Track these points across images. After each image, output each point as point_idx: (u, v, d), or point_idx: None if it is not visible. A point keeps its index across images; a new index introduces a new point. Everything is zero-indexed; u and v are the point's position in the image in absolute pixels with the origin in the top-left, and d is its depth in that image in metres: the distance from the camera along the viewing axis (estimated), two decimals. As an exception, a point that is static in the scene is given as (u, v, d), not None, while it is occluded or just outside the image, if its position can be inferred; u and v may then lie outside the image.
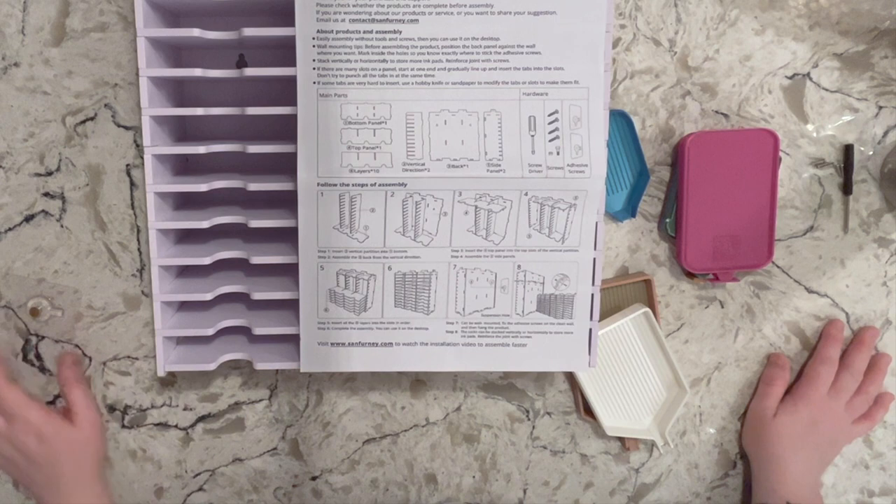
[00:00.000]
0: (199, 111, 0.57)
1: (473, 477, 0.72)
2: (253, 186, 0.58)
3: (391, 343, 0.60)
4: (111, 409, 0.69)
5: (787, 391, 0.69)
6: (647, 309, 0.66)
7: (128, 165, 0.65)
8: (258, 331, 0.60)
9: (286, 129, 0.56)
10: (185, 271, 0.65)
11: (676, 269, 0.68)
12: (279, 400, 0.70)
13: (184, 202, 0.66)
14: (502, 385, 0.70)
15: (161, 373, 0.61)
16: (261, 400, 0.70)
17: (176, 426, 0.70)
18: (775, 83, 0.65)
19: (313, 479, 0.72)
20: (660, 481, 0.72)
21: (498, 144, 0.56)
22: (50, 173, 0.65)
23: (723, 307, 0.69)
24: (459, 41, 0.55)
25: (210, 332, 0.60)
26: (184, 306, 0.65)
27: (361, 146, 0.55)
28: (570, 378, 0.70)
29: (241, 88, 0.64)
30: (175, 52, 0.63)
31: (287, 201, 0.59)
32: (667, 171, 0.66)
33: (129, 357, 0.68)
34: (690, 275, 0.67)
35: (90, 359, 0.68)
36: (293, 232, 0.58)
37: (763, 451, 0.67)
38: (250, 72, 0.56)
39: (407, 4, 0.54)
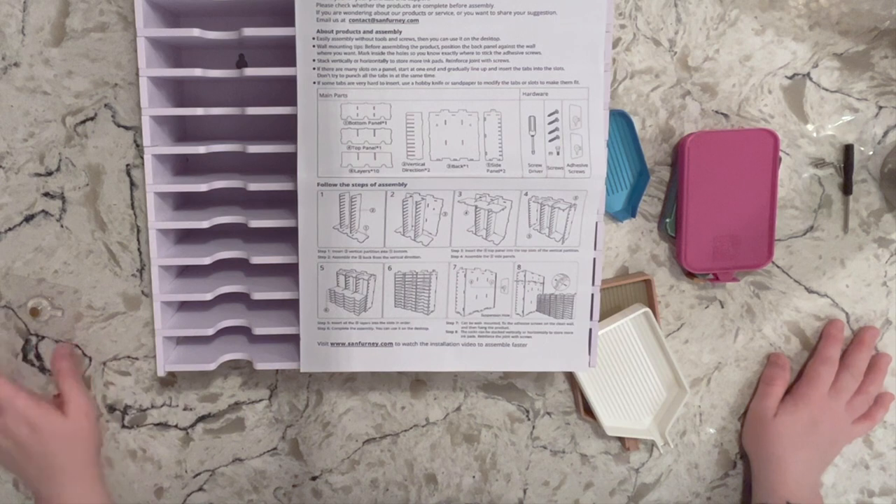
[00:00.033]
0: (199, 111, 0.57)
1: (473, 477, 0.72)
2: (253, 186, 0.58)
3: (391, 343, 0.60)
4: (111, 409, 0.69)
5: (788, 391, 0.69)
6: (647, 309, 0.66)
7: (128, 165, 0.65)
8: (258, 331, 0.60)
9: (286, 129, 0.56)
10: (185, 271, 0.65)
11: (676, 269, 0.68)
12: (279, 400, 0.70)
13: (184, 202, 0.66)
14: (502, 385, 0.70)
15: (161, 373, 0.61)
16: (261, 400, 0.70)
17: (176, 426, 0.70)
18: (775, 83, 0.65)
19: (313, 479, 0.72)
20: (660, 481, 0.72)
21: (498, 144, 0.56)
22: (50, 173, 0.65)
23: (723, 307, 0.69)
24: (459, 41, 0.55)
25: (210, 332, 0.60)
26: (184, 306, 0.65)
27: (361, 146, 0.55)
28: (570, 378, 0.70)
29: (241, 88, 0.64)
30: (175, 52, 0.63)
31: (287, 201, 0.59)
32: (667, 171, 0.66)
33: (129, 357, 0.68)
34: (690, 275, 0.67)
35: (90, 359, 0.68)
36: (293, 232, 0.58)
37: (763, 450, 0.67)
38: (250, 72, 0.56)
39: (407, 4, 0.54)
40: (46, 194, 0.65)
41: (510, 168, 0.56)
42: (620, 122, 0.64)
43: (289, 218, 0.58)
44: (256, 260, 0.59)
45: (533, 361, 0.61)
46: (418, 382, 0.70)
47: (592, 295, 0.59)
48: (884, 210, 0.67)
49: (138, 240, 0.66)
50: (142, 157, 0.64)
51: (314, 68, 0.54)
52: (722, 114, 0.65)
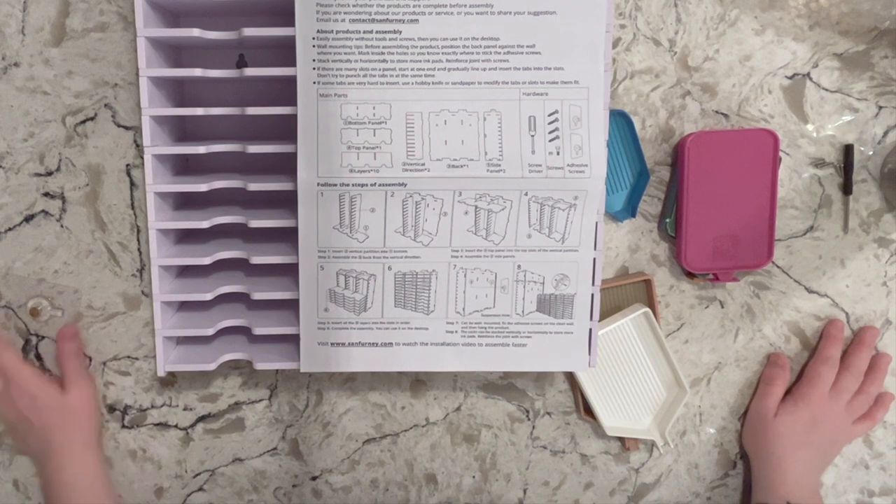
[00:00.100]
0: (199, 111, 0.57)
1: (473, 477, 0.72)
2: (253, 186, 0.58)
3: (391, 343, 0.60)
4: (111, 409, 0.69)
5: (788, 391, 0.69)
6: (647, 309, 0.66)
7: (128, 165, 0.65)
8: (258, 331, 0.60)
9: (286, 129, 0.56)
10: (185, 271, 0.65)
11: (676, 269, 0.68)
12: (279, 400, 0.70)
13: (184, 202, 0.66)
14: (502, 385, 0.70)
15: (161, 373, 0.61)
16: (261, 400, 0.70)
17: (176, 426, 0.70)
18: (775, 83, 0.65)
19: (313, 479, 0.72)
20: (660, 481, 0.72)
21: (498, 144, 0.56)
22: (50, 173, 0.65)
23: (723, 307, 0.69)
24: (459, 41, 0.55)
25: (210, 332, 0.60)
26: (184, 306, 0.65)
27: (361, 146, 0.55)
28: (570, 378, 0.70)
29: (241, 88, 0.64)
30: (175, 52, 0.63)
31: (287, 201, 0.59)
32: (667, 171, 0.66)
33: (129, 357, 0.68)
34: (690, 275, 0.67)
35: (90, 359, 0.68)
36: (293, 232, 0.58)
37: (763, 450, 0.67)
38: (250, 72, 0.56)
39: (407, 4, 0.54)
40: (46, 194, 0.65)
41: (510, 168, 0.56)
42: (620, 122, 0.64)
43: (289, 218, 0.58)
44: (256, 260, 0.59)
45: (533, 361, 0.61)
46: (418, 382, 0.70)
47: (592, 295, 0.59)
48: (884, 210, 0.67)
49: (138, 240, 0.66)
50: (142, 157, 0.64)
51: (314, 68, 0.54)
52: (722, 114, 0.65)
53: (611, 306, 0.67)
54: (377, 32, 0.54)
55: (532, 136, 0.56)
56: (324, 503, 0.72)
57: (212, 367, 0.61)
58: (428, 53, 0.55)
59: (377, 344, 0.60)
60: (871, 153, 0.66)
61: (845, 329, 0.69)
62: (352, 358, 0.60)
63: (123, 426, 0.69)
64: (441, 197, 0.56)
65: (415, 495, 0.72)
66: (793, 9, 0.64)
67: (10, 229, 0.65)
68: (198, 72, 0.56)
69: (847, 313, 0.69)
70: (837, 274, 0.68)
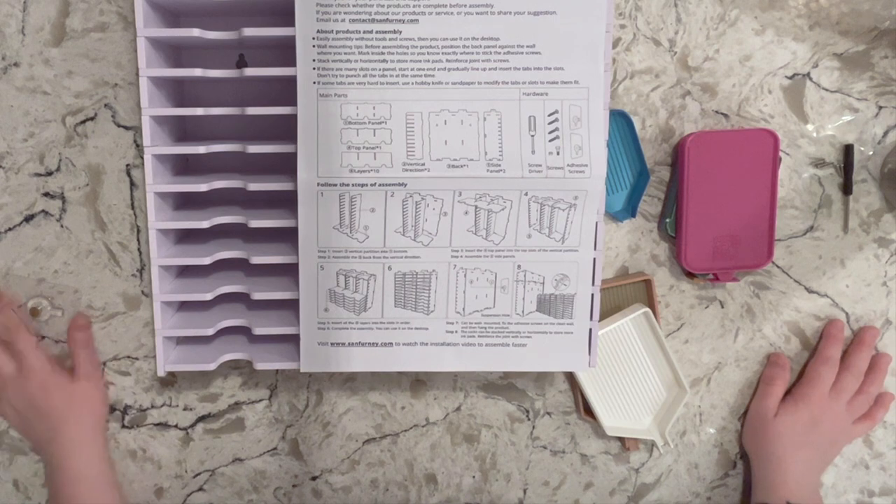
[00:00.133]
0: (199, 111, 0.57)
1: (473, 477, 0.72)
2: (253, 186, 0.58)
3: (391, 343, 0.60)
4: (111, 409, 0.69)
5: (788, 391, 0.69)
6: (647, 309, 0.66)
7: (128, 165, 0.65)
8: (258, 331, 0.60)
9: (286, 129, 0.56)
10: (185, 271, 0.65)
11: (676, 269, 0.68)
12: (279, 400, 0.70)
13: (184, 202, 0.66)
14: (502, 385, 0.70)
15: (161, 373, 0.61)
16: (261, 400, 0.70)
17: (176, 426, 0.70)
18: (775, 83, 0.65)
19: (313, 479, 0.72)
20: (660, 481, 0.72)
21: (498, 144, 0.56)
22: (50, 173, 0.65)
23: (723, 307, 0.69)
24: (459, 41, 0.55)
25: (210, 332, 0.60)
26: (184, 306, 0.65)
27: (361, 146, 0.55)
28: (570, 378, 0.70)
29: (241, 88, 0.64)
30: (175, 52, 0.63)
31: (287, 201, 0.59)
32: (667, 171, 0.66)
33: (129, 357, 0.68)
34: (690, 275, 0.67)
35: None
36: (293, 232, 0.58)
37: (763, 450, 0.67)
38: (250, 72, 0.56)
39: (407, 4, 0.54)
40: (46, 194, 0.65)
41: (510, 168, 0.56)
42: (620, 122, 0.64)
43: (289, 218, 0.58)
44: (256, 260, 0.59)
45: (533, 361, 0.61)
46: (418, 382, 0.70)
47: (592, 295, 0.59)
48: (884, 210, 0.67)
49: (138, 240, 0.66)
50: (142, 157, 0.64)
51: (314, 68, 0.54)
52: (722, 114, 0.65)
53: (611, 306, 0.67)
54: (377, 32, 0.54)
55: (532, 136, 0.56)
56: (324, 503, 0.72)
57: (212, 367, 0.61)
58: (428, 53, 0.55)
59: (377, 344, 0.60)
60: (871, 153, 0.66)
61: (845, 329, 0.69)
62: (352, 358, 0.60)
63: (123, 426, 0.69)
64: (441, 197, 0.56)
65: (415, 495, 0.72)
66: (793, 9, 0.64)
67: (10, 229, 0.65)
68: (198, 72, 0.56)
69: (847, 313, 0.69)
70: (837, 274, 0.68)
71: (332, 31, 0.54)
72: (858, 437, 0.70)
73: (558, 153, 0.56)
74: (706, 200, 0.63)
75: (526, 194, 0.57)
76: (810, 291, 0.69)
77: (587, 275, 0.59)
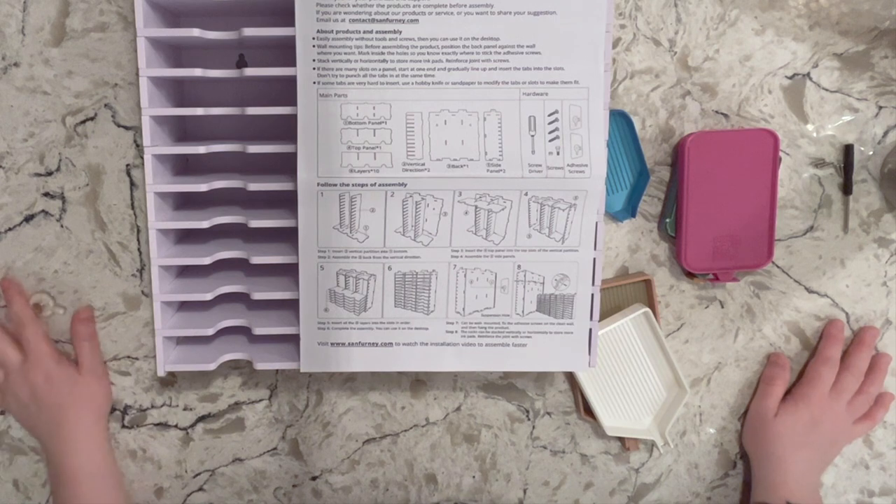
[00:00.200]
0: (199, 111, 0.57)
1: (473, 477, 0.72)
2: (253, 186, 0.58)
3: (391, 343, 0.60)
4: (111, 409, 0.69)
5: (788, 391, 0.69)
6: (647, 309, 0.66)
7: (128, 165, 0.65)
8: (258, 331, 0.60)
9: (286, 129, 0.56)
10: (185, 271, 0.65)
11: (676, 269, 0.68)
12: (279, 400, 0.70)
13: (184, 202, 0.66)
14: (502, 385, 0.70)
15: (161, 373, 0.61)
16: (261, 400, 0.70)
17: (176, 426, 0.70)
18: (775, 83, 0.65)
19: (313, 479, 0.72)
20: (660, 481, 0.72)
21: (498, 144, 0.56)
22: (50, 173, 0.65)
23: (723, 307, 0.69)
24: (459, 41, 0.55)
25: (210, 332, 0.60)
26: (184, 306, 0.65)
27: (361, 146, 0.55)
28: (570, 378, 0.70)
29: (241, 88, 0.64)
30: (175, 52, 0.63)
31: (287, 201, 0.59)
32: (667, 171, 0.66)
33: (129, 357, 0.68)
34: (690, 275, 0.67)
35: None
36: (293, 232, 0.58)
37: (763, 450, 0.67)
38: (250, 72, 0.56)
39: (407, 4, 0.54)
40: (46, 194, 0.65)
41: (510, 168, 0.56)
42: (620, 122, 0.64)
43: (289, 218, 0.58)
44: (256, 260, 0.59)
45: (533, 361, 0.61)
46: (418, 382, 0.70)
47: (592, 295, 0.59)
48: (884, 210, 0.67)
49: (138, 240, 0.66)
50: (142, 157, 0.64)
51: (314, 68, 0.54)
52: (722, 114, 0.65)
53: (611, 306, 0.67)
54: (377, 32, 0.54)
55: (532, 136, 0.56)
56: (324, 503, 0.72)
57: (212, 367, 0.61)
58: (428, 53, 0.55)
59: (377, 344, 0.60)
60: (871, 153, 0.66)
61: (845, 329, 0.69)
62: (352, 358, 0.60)
63: (123, 426, 0.69)
64: (441, 197, 0.56)
65: (415, 495, 0.72)
66: (793, 9, 0.64)
67: (10, 229, 0.65)
68: (198, 72, 0.56)
69: (847, 313, 0.69)
70: (837, 274, 0.68)
71: (332, 31, 0.54)
72: (858, 438, 0.70)
73: (558, 153, 0.56)
74: (706, 200, 0.63)
75: (526, 194, 0.57)
76: (810, 291, 0.69)
77: (587, 275, 0.59)
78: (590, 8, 0.54)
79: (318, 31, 0.54)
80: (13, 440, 0.69)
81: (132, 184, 0.65)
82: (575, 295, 0.59)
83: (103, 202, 0.65)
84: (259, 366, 0.61)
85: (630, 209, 0.66)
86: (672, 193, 0.65)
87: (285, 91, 0.56)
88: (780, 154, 0.65)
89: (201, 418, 0.70)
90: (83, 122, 0.64)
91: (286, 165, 0.57)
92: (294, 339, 0.61)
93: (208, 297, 0.60)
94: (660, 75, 0.65)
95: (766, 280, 0.68)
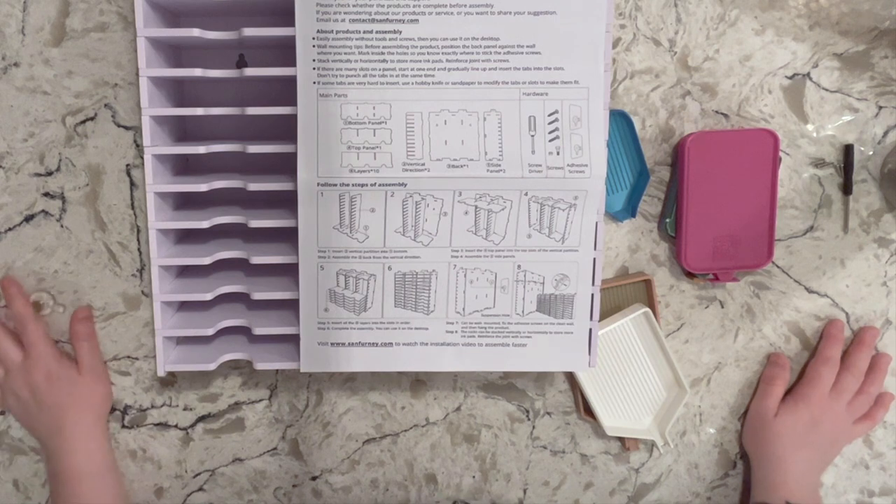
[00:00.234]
0: (199, 111, 0.57)
1: (473, 477, 0.72)
2: (253, 186, 0.58)
3: (391, 343, 0.60)
4: (111, 409, 0.69)
5: (788, 391, 0.69)
6: (647, 309, 0.66)
7: (128, 165, 0.65)
8: (258, 331, 0.60)
9: (286, 129, 0.56)
10: (185, 271, 0.65)
11: (676, 269, 0.68)
12: (279, 400, 0.70)
13: (184, 202, 0.66)
14: (502, 385, 0.70)
15: (161, 373, 0.61)
16: (261, 400, 0.70)
17: (176, 426, 0.70)
18: (775, 83, 0.65)
19: (313, 479, 0.72)
20: (660, 481, 0.72)
21: (498, 144, 0.56)
22: (50, 173, 0.65)
23: (723, 307, 0.69)
24: (459, 41, 0.55)
25: (210, 332, 0.60)
26: (184, 306, 0.65)
27: (361, 146, 0.55)
28: (570, 378, 0.70)
29: (241, 88, 0.64)
30: (175, 52, 0.63)
31: (287, 201, 0.59)
32: (667, 171, 0.66)
33: (129, 357, 0.68)
34: (690, 275, 0.67)
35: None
36: (293, 232, 0.58)
37: (763, 450, 0.67)
38: (250, 72, 0.56)
39: (407, 4, 0.54)
40: (46, 194, 0.65)
41: (510, 168, 0.56)
42: (620, 122, 0.64)
43: (289, 218, 0.58)
44: (256, 260, 0.59)
45: (533, 361, 0.61)
46: (418, 382, 0.70)
47: (592, 295, 0.59)
48: (884, 210, 0.67)
49: (138, 240, 0.66)
50: (142, 157, 0.64)
51: (314, 68, 0.54)
52: (722, 114, 0.65)
53: (611, 306, 0.67)
54: (377, 32, 0.54)
55: (532, 136, 0.56)
56: (324, 503, 0.72)
57: (212, 367, 0.61)
58: (428, 53, 0.55)
59: (377, 344, 0.60)
60: (871, 153, 0.66)
61: (845, 329, 0.69)
62: (352, 358, 0.60)
63: (123, 426, 0.69)
64: (441, 197, 0.56)
65: (415, 495, 0.72)
66: (793, 9, 0.64)
67: (10, 229, 0.65)
68: (198, 72, 0.56)
69: (847, 313, 0.69)
70: (837, 274, 0.68)
71: (332, 31, 0.54)
72: (858, 438, 0.70)
73: (558, 153, 0.56)
74: (706, 200, 0.63)
75: (526, 194, 0.57)
76: (810, 291, 0.69)
77: (587, 275, 0.59)
78: (590, 8, 0.54)
79: (318, 31, 0.54)
80: (13, 440, 0.69)
81: (132, 184, 0.65)
82: (575, 295, 0.59)
83: (103, 202, 0.65)
84: (259, 366, 0.61)
85: (630, 209, 0.66)
86: (672, 193, 0.65)
87: (285, 91, 0.56)
88: (780, 154, 0.65)
89: (201, 418, 0.70)
90: (83, 122, 0.64)
91: (286, 165, 0.57)
92: (294, 339, 0.61)
93: (208, 297, 0.60)
94: (660, 75, 0.65)
95: (766, 280, 0.68)
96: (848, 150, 0.65)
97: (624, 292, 0.68)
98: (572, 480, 0.72)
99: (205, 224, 0.59)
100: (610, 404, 0.68)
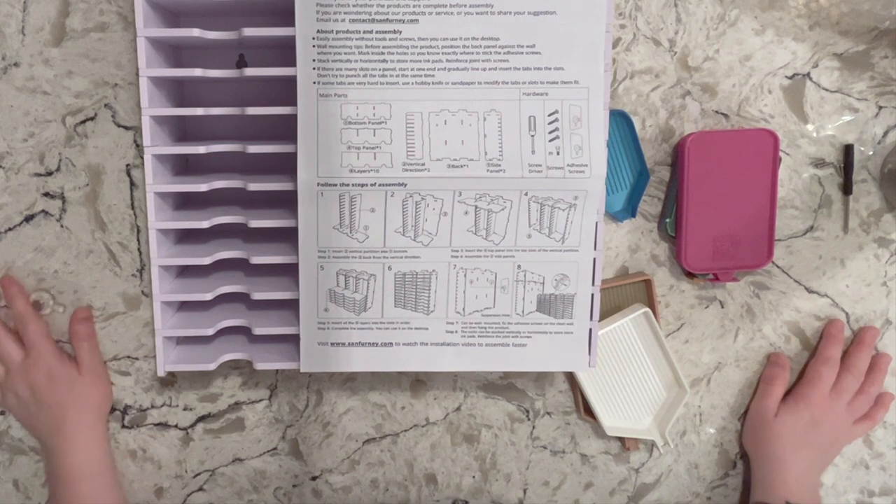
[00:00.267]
0: (199, 111, 0.57)
1: (473, 477, 0.72)
2: (253, 186, 0.58)
3: (391, 343, 0.60)
4: (111, 409, 0.69)
5: (789, 391, 0.69)
6: (647, 309, 0.66)
7: (128, 165, 0.65)
8: (258, 331, 0.60)
9: (286, 129, 0.56)
10: (185, 271, 0.65)
11: (676, 269, 0.68)
12: (279, 400, 0.70)
13: (184, 202, 0.66)
14: (502, 385, 0.70)
15: (161, 373, 0.61)
16: (261, 400, 0.70)
17: (176, 426, 0.70)
18: (775, 83, 0.65)
19: (313, 479, 0.72)
20: (660, 481, 0.72)
21: (498, 144, 0.56)
22: (50, 173, 0.65)
23: (723, 307, 0.69)
24: (459, 41, 0.55)
25: (210, 332, 0.60)
26: (184, 306, 0.65)
27: (361, 146, 0.55)
28: (570, 378, 0.70)
29: (241, 88, 0.64)
30: (175, 52, 0.63)
31: (287, 201, 0.59)
32: (667, 171, 0.66)
33: (129, 357, 0.68)
34: (690, 275, 0.67)
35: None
36: (293, 232, 0.58)
37: (763, 450, 0.67)
38: (250, 72, 0.56)
39: (407, 4, 0.54)
40: (46, 194, 0.65)
41: (510, 168, 0.56)
42: (620, 122, 0.64)
43: (289, 218, 0.58)
44: (256, 260, 0.59)
45: (533, 361, 0.61)
46: (418, 382, 0.70)
47: (592, 295, 0.59)
48: (884, 210, 0.67)
49: (138, 240, 0.66)
50: (142, 157, 0.64)
51: (314, 68, 0.54)
52: (722, 114, 0.65)
53: (611, 306, 0.67)
54: (377, 32, 0.54)
55: (532, 136, 0.56)
56: (324, 503, 0.72)
57: (212, 367, 0.61)
58: (428, 53, 0.55)
59: (377, 344, 0.60)
60: (871, 153, 0.66)
61: (845, 329, 0.69)
62: (352, 358, 0.60)
63: (123, 426, 0.69)
64: (441, 197, 0.56)
65: (415, 495, 0.72)
66: (793, 9, 0.64)
67: (10, 229, 0.65)
68: (198, 72, 0.56)
69: (847, 313, 0.69)
70: (837, 274, 0.68)
71: (332, 31, 0.54)
72: (859, 438, 0.70)
73: (558, 153, 0.56)
74: (706, 200, 0.63)
75: (526, 194, 0.57)
76: (810, 291, 0.69)
77: (587, 275, 0.59)
78: (590, 8, 0.54)
79: (318, 31, 0.54)
80: (13, 440, 0.69)
81: (132, 184, 0.65)
82: (575, 295, 0.59)
83: (103, 202, 0.65)
84: (259, 366, 0.61)
85: (630, 209, 0.66)
86: (672, 193, 0.65)
87: (285, 91, 0.56)
88: (780, 154, 0.65)
89: (201, 418, 0.70)
90: (83, 122, 0.64)
91: (286, 165, 0.57)
92: (294, 339, 0.61)
93: (208, 297, 0.60)
94: (660, 75, 0.65)
95: (766, 280, 0.68)
96: (848, 150, 0.65)
97: (624, 292, 0.68)
98: (572, 480, 0.72)
99: (205, 224, 0.59)
100: (610, 404, 0.68)
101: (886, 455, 0.72)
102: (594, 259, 0.59)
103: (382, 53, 0.54)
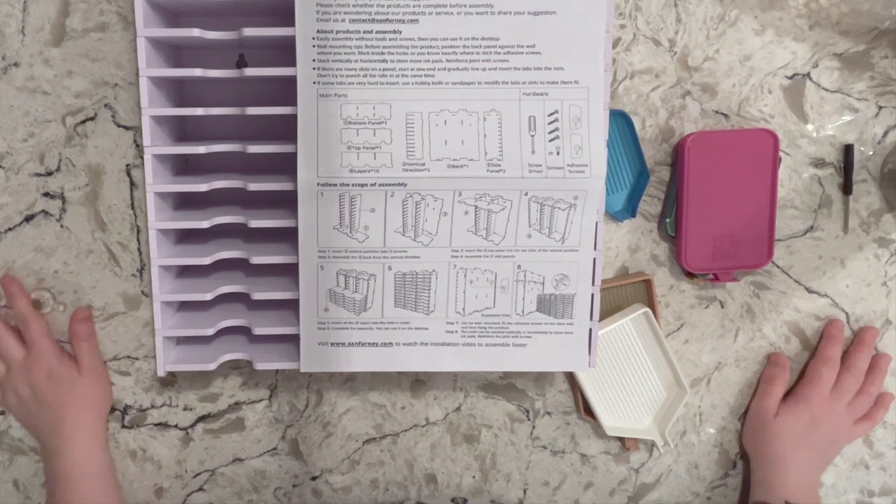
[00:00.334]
0: (199, 111, 0.57)
1: (473, 477, 0.72)
2: (253, 186, 0.58)
3: (391, 343, 0.60)
4: (111, 409, 0.69)
5: (789, 391, 0.69)
6: (647, 309, 0.66)
7: (128, 165, 0.65)
8: (258, 331, 0.60)
9: (286, 129, 0.56)
10: (185, 271, 0.65)
11: (676, 269, 0.68)
12: (279, 400, 0.70)
13: (184, 202, 0.66)
14: (502, 385, 0.70)
15: (161, 373, 0.61)
16: (261, 400, 0.70)
17: (176, 426, 0.70)
18: (775, 83, 0.65)
19: (313, 479, 0.72)
20: (660, 481, 0.72)
21: (498, 144, 0.56)
22: (50, 173, 0.65)
23: (723, 307, 0.69)
24: (459, 41, 0.55)
25: (210, 332, 0.60)
26: (184, 306, 0.65)
27: (361, 146, 0.55)
28: (570, 378, 0.70)
29: (241, 88, 0.64)
30: (175, 52, 0.63)
31: (287, 201, 0.59)
32: (667, 171, 0.66)
33: (129, 357, 0.68)
34: (690, 275, 0.67)
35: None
36: (293, 232, 0.58)
37: (763, 450, 0.67)
38: (250, 72, 0.56)
39: (407, 4, 0.54)
40: (46, 194, 0.65)
41: (510, 168, 0.56)
42: (620, 122, 0.64)
43: (289, 218, 0.58)
44: (256, 260, 0.59)
45: (533, 361, 0.61)
46: (418, 382, 0.70)
47: (592, 295, 0.59)
48: (884, 210, 0.67)
49: (138, 240, 0.66)
50: (142, 157, 0.64)
51: (314, 68, 0.54)
52: (722, 114, 0.65)
53: (611, 306, 0.67)
54: (377, 32, 0.54)
55: (532, 136, 0.56)
56: (324, 503, 0.72)
57: (212, 367, 0.61)
58: (428, 53, 0.55)
59: (377, 344, 0.60)
60: (871, 153, 0.66)
61: (845, 329, 0.69)
62: (352, 358, 0.60)
63: (123, 426, 0.69)
64: (441, 197, 0.56)
65: (415, 495, 0.72)
66: (793, 9, 0.64)
67: (10, 229, 0.65)
68: (198, 72, 0.56)
69: (847, 313, 0.69)
70: (837, 274, 0.68)
71: (332, 31, 0.54)
72: (859, 438, 0.70)
73: (558, 153, 0.56)
74: (706, 200, 0.63)
75: (526, 194, 0.57)
76: (810, 291, 0.69)
77: (587, 275, 0.59)
78: (590, 8, 0.54)
79: (318, 31, 0.54)
80: (13, 440, 0.69)
81: (132, 184, 0.65)
82: (575, 295, 0.59)
83: (103, 202, 0.65)
84: (259, 366, 0.61)
85: (630, 209, 0.66)
86: (672, 193, 0.65)
87: (285, 91, 0.56)
88: (780, 154, 0.65)
89: (201, 418, 0.70)
90: (83, 122, 0.64)
91: (286, 165, 0.57)
92: (294, 339, 0.61)
93: (208, 297, 0.60)
94: (660, 75, 0.65)
95: (766, 280, 0.68)
96: (848, 150, 0.65)
97: (624, 292, 0.68)
98: (572, 480, 0.72)
99: (205, 224, 0.59)
100: (610, 404, 0.68)
101: (886, 455, 0.72)
102: (594, 259, 0.59)
103: (382, 53, 0.54)
